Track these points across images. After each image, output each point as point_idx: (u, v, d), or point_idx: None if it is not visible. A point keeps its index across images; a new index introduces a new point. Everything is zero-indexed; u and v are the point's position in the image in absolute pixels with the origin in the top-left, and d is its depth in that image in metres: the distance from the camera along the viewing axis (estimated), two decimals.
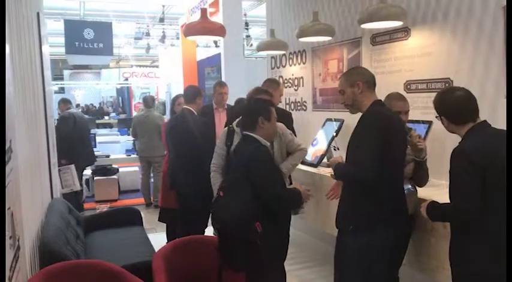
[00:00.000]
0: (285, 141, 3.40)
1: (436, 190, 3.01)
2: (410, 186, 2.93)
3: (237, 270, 2.59)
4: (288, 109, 5.68)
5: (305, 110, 5.50)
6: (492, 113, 3.12)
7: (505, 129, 2.25)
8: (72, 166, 5.69)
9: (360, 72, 2.65)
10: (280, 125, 3.44)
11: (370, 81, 2.57)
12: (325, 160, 4.15)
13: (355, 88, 2.55)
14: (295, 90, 5.73)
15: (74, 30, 11.89)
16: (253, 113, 2.69)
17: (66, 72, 23.69)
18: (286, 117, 4.04)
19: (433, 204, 2.38)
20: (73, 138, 6.24)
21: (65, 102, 6.89)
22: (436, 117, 2.38)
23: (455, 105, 2.28)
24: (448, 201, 2.24)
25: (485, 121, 2.27)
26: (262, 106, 2.72)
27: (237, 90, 5.92)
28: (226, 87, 5.01)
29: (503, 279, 2.09)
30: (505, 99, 3.10)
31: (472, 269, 2.19)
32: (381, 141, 2.38)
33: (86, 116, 13.73)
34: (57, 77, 23.29)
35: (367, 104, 2.54)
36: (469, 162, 2.11)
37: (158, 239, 4.53)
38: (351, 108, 2.63)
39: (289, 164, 3.39)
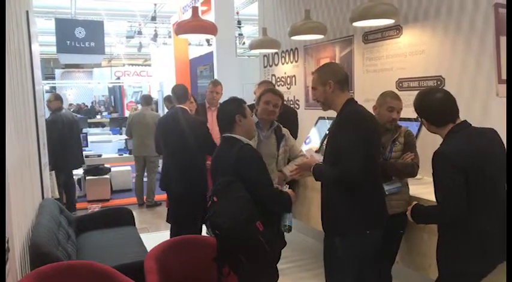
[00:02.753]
0: (289, 145, 3.43)
1: (428, 188, 2.99)
2: (400, 185, 2.93)
3: (238, 275, 2.55)
4: None
5: (298, 109, 5.49)
6: (484, 111, 3.13)
7: (488, 127, 2.29)
8: (53, 173, 5.59)
9: (333, 70, 2.58)
10: (284, 130, 3.46)
11: (342, 81, 2.51)
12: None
13: (326, 87, 2.51)
14: (288, 88, 5.72)
15: (65, 29, 11.81)
16: (229, 113, 2.65)
17: (57, 72, 23.52)
18: (289, 114, 4.06)
19: (418, 207, 2.38)
20: (60, 143, 6.09)
21: (57, 99, 6.48)
22: (417, 118, 2.38)
23: (434, 107, 2.29)
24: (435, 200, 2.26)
25: (465, 121, 2.27)
26: (236, 104, 2.68)
27: (230, 89, 5.89)
28: (219, 87, 4.98)
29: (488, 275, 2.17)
30: (497, 96, 3.13)
31: (460, 268, 2.20)
32: (365, 141, 2.36)
33: (79, 115, 13.71)
34: (49, 76, 23.14)
35: (339, 102, 2.50)
36: (449, 165, 2.11)
37: (151, 239, 4.49)
38: (323, 105, 2.59)
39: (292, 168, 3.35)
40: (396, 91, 3.74)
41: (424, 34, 3.72)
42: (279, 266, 2.89)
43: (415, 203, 2.45)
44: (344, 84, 2.53)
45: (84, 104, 21.92)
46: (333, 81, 2.49)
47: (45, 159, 4.67)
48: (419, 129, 3.56)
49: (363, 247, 2.46)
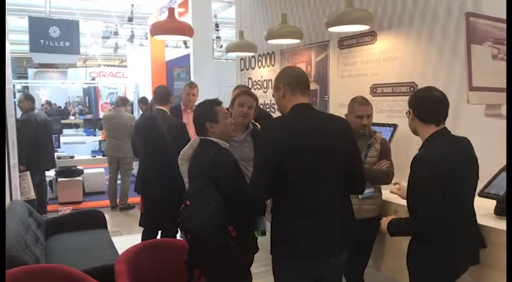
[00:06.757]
0: None
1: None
2: (373, 190, 2.96)
3: (209, 279, 2.53)
4: None
5: (274, 112, 5.50)
6: (455, 118, 3.19)
7: (462, 136, 2.32)
8: (28, 173, 5.47)
9: (285, 74, 2.34)
10: None
11: (293, 83, 2.24)
12: None
13: (279, 92, 2.29)
14: (264, 92, 5.73)
15: (39, 27, 11.60)
16: (199, 120, 2.59)
17: (30, 71, 23.02)
18: (264, 118, 4.04)
19: (393, 222, 2.34)
20: (34, 143, 6.02)
21: (27, 99, 6.37)
22: (407, 113, 2.37)
23: (426, 99, 2.29)
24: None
25: (445, 128, 2.30)
26: (205, 110, 2.60)
27: (207, 92, 5.86)
28: (196, 89, 4.96)
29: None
30: (468, 103, 3.19)
31: (431, 275, 2.21)
32: (266, 158, 2.17)
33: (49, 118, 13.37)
34: (22, 75, 22.62)
35: (289, 107, 2.26)
36: (429, 171, 2.12)
37: (123, 242, 4.41)
38: (280, 112, 2.39)
39: None
40: (370, 97, 3.80)
41: (398, 41, 3.78)
42: (252, 269, 2.88)
43: (391, 217, 2.40)
44: (296, 88, 2.24)
45: (55, 104, 21.30)
46: (282, 85, 2.27)
47: (14, 160, 4.55)
48: (392, 135, 3.61)
49: (288, 275, 2.32)
